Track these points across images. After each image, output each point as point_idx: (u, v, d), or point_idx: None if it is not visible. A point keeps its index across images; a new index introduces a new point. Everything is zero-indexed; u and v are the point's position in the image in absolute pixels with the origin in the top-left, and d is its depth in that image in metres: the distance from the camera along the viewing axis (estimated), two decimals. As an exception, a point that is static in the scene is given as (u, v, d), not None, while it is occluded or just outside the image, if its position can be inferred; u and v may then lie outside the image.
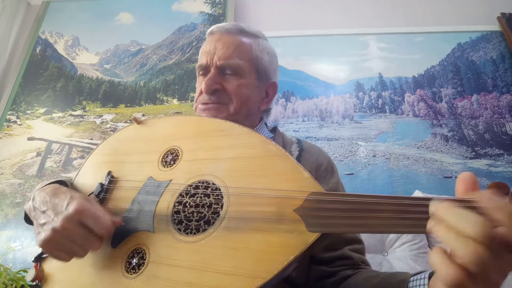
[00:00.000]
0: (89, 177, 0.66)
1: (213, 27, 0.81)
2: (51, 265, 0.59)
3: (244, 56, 0.76)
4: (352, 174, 1.69)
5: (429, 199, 0.35)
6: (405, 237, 1.35)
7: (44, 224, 0.51)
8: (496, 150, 1.71)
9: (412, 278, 0.46)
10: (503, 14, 1.99)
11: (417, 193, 1.59)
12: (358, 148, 1.78)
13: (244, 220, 0.47)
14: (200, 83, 0.77)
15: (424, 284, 0.42)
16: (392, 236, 1.37)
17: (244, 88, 0.76)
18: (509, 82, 1.88)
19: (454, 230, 0.30)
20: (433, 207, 0.33)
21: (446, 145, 1.75)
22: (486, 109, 1.82)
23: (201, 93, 0.76)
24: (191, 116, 0.66)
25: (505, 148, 1.71)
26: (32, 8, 2.31)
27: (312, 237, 0.42)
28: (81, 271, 0.55)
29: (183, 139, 0.62)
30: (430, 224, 0.33)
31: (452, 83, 1.92)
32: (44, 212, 0.53)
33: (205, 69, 0.77)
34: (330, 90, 1.97)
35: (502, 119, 1.78)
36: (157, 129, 0.67)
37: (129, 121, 1.91)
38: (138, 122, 0.69)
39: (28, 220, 0.64)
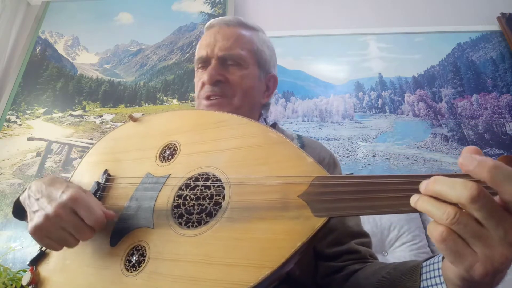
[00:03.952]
0: (85, 176, 0.64)
1: (212, 21, 0.79)
2: (47, 268, 0.57)
3: (245, 47, 0.75)
4: (352, 174, 1.69)
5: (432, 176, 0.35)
6: (405, 237, 1.34)
7: (36, 211, 0.51)
8: (496, 150, 1.71)
9: (425, 264, 0.45)
10: (503, 14, 1.99)
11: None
12: (358, 148, 1.78)
13: (248, 210, 0.46)
14: (200, 77, 0.75)
15: (438, 261, 0.42)
16: (392, 236, 1.37)
17: (247, 79, 0.75)
18: (509, 82, 1.87)
19: (433, 198, 0.33)
20: (422, 185, 0.35)
21: (446, 145, 1.75)
22: (486, 109, 1.82)
23: (202, 86, 0.74)
24: (187, 110, 0.65)
25: (505, 148, 1.71)
26: (32, 8, 2.31)
27: (319, 222, 0.40)
28: (79, 271, 0.54)
29: (181, 133, 0.60)
30: (413, 199, 0.35)
31: (452, 83, 1.92)
32: (38, 199, 0.52)
33: (205, 62, 0.75)
34: (330, 90, 1.97)
35: (502, 119, 1.78)
36: (153, 125, 0.65)
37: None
38: (134, 119, 0.68)
39: (17, 212, 0.63)
